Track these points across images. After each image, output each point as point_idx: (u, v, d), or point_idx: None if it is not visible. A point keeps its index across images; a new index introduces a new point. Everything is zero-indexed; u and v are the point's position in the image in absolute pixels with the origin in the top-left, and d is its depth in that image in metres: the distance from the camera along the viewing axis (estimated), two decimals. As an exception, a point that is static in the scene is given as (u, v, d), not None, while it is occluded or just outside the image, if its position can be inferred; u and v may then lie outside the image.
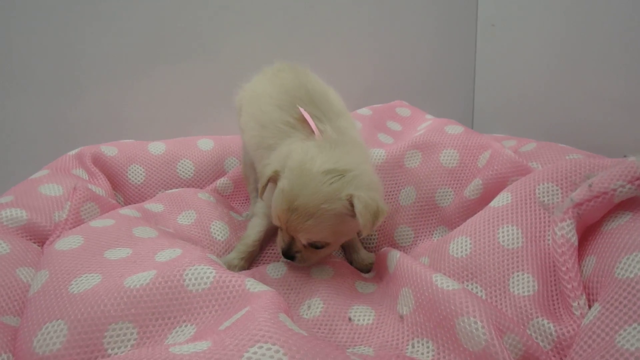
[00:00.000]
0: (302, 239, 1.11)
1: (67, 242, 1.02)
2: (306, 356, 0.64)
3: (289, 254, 1.15)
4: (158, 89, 1.93)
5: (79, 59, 1.81)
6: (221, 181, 1.61)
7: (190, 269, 0.88)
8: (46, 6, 1.73)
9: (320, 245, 1.13)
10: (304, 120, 1.20)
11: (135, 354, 0.70)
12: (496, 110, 2.26)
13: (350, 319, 1.00)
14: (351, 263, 1.35)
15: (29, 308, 0.86)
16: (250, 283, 0.86)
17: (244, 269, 1.24)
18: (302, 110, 1.21)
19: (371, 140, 1.58)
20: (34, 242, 1.16)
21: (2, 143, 1.79)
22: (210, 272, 0.87)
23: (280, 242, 1.18)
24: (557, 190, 1.12)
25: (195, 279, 0.86)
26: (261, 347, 0.65)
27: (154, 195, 1.53)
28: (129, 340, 0.79)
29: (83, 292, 0.84)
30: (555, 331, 0.91)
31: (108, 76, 1.86)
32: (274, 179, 1.12)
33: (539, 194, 1.13)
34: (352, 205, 1.03)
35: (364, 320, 1.00)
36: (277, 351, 0.65)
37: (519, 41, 2.05)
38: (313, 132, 1.17)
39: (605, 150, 1.46)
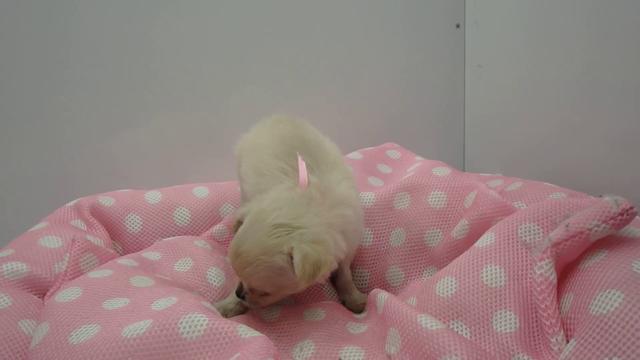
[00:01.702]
0: (244, 282, 1.17)
1: (67, 294, 1.07)
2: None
3: (238, 294, 1.21)
4: (154, 138, 2.00)
5: (75, 110, 1.88)
6: (217, 227, 1.65)
7: (185, 317, 0.92)
8: (43, 57, 1.80)
9: (261, 293, 1.17)
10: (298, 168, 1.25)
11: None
12: (487, 149, 2.30)
13: (340, 359, 1.03)
14: (344, 303, 1.39)
15: (30, 360, 0.90)
16: (242, 329, 0.90)
17: (240, 313, 1.28)
18: (299, 157, 1.25)
19: (361, 184, 1.63)
20: (35, 294, 1.20)
21: (1, 196, 1.84)
22: (204, 320, 0.92)
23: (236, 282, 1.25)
24: (538, 229, 1.16)
25: (190, 326, 0.91)
26: (249, 391, 0.70)
27: (152, 243, 1.57)
28: (126, 389, 0.83)
29: (82, 342, 0.88)
30: (535, 367, 0.95)
31: (105, 127, 1.93)
32: (241, 221, 1.17)
33: (521, 233, 1.17)
34: (292, 258, 1.06)
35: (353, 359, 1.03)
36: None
37: (507, 81, 2.09)
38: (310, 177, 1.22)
39: (591, 189, 1.49)
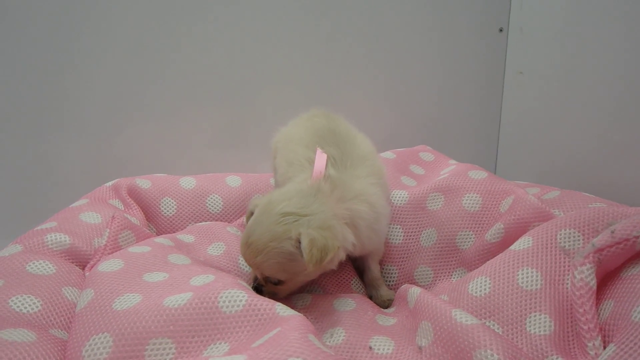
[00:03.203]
0: (257, 273, 1.18)
1: (109, 265, 1.09)
2: (334, 372, 0.69)
3: (255, 286, 1.20)
4: (190, 129, 2.05)
5: (122, 99, 1.95)
6: (248, 217, 1.67)
7: (224, 293, 0.94)
8: (99, 53, 1.88)
9: (275, 282, 1.18)
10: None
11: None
12: (520, 158, 2.28)
13: (370, 348, 1.04)
14: (370, 298, 1.39)
15: (76, 322, 0.93)
16: (280, 307, 0.92)
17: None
18: (318, 150, 1.27)
19: (394, 183, 1.63)
20: (76, 265, 1.23)
21: (46, 174, 1.90)
22: (243, 296, 0.93)
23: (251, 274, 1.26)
24: (578, 236, 1.15)
25: (229, 301, 0.92)
26: (292, 361, 0.71)
27: (185, 227, 1.60)
28: (167, 354, 0.85)
29: (126, 309, 0.91)
30: (570, 369, 0.95)
31: (147, 116, 1.99)
32: (253, 212, 1.18)
33: (560, 239, 1.16)
34: (300, 243, 1.07)
35: (384, 349, 1.04)
36: (307, 366, 0.70)
37: (547, 89, 2.06)
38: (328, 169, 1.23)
39: (630, 201, 1.47)
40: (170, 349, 0.86)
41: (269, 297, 1.14)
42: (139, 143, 1.99)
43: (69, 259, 1.22)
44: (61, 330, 0.99)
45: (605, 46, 1.77)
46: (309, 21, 2.05)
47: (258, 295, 0.96)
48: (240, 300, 0.93)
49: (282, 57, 2.06)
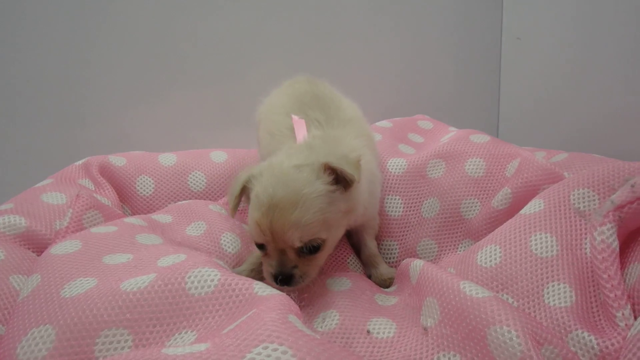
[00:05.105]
0: (294, 240, 0.97)
1: (64, 247, 0.95)
2: (319, 358, 0.56)
3: (285, 272, 1.00)
4: (171, 111, 1.95)
5: (98, 83, 1.85)
6: (234, 194, 1.54)
7: (193, 272, 0.80)
8: (73, 34, 1.80)
9: (316, 246, 1.00)
10: (307, 123, 1.18)
11: (123, 356, 0.61)
12: (522, 123, 2.19)
13: (368, 332, 0.91)
14: (369, 277, 1.27)
15: (16, 313, 0.79)
16: (258, 287, 0.77)
17: (255, 282, 1.16)
18: (293, 117, 1.17)
19: (391, 150, 1.51)
20: (32, 251, 1.10)
21: (11, 155, 1.80)
22: (215, 275, 0.79)
23: (267, 268, 1.02)
24: (593, 196, 1.03)
25: (198, 282, 0.78)
26: (266, 347, 0.57)
27: (163, 208, 1.47)
28: (122, 347, 0.71)
29: (75, 296, 0.77)
30: (598, 344, 0.82)
31: (122, 98, 1.89)
32: (247, 186, 1.04)
33: (573, 200, 1.03)
34: (331, 174, 0.99)
35: (383, 333, 0.91)
36: (285, 352, 0.56)
37: (545, 54, 1.99)
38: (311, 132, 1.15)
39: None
40: (126, 341, 0.72)
41: (301, 282, 1.02)
42: (119, 127, 1.89)
43: (23, 244, 1.10)
44: (0, 325, 0.85)
45: (603, 7, 1.69)
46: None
47: (233, 274, 0.82)
48: (212, 280, 0.79)
49: (274, 28, 1.96)
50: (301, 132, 1.13)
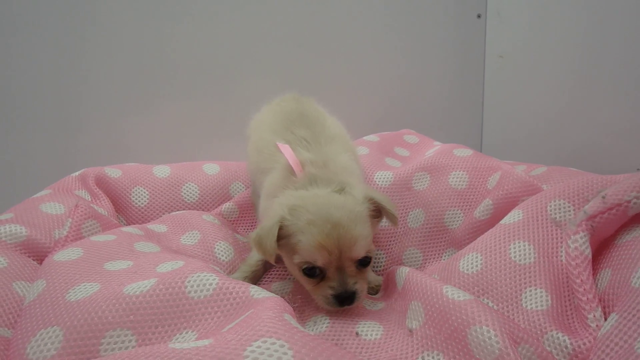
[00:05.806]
0: (361, 250, 1.01)
1: (66, 254, 0.99)
2: (312, 352, 0.61)
3: (349, 289, 1.01)
4: (165, 122, 1.99)
5: (92, 94, 1.89)
6: (226, 206, 1.59)
7: (193, 276, 0.85)
8: (68, 42, 1.83)
9: (368, 258, 1.06)
10: (294, 142, 1.22)
11: (132, 352, 0.66)
12: (505, 140, 2.26)
13: (357, 334, 0.96)
14: (357, 285, 1.31)
15: (23, 316, 0.83)
16: (254, 290, 0.83)
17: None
18: (279, 145, 1.19)
19: (378, 163, 1.56)
20: (33, 259, 1.13)
21: (8, 166, 1.82)
22: (213, 279, 0.84)
23: (326, 292, 1.02)
24: (569, 207, 1.09)
25: (197, 285, 0.83)
26: (265, 341, 0.62)
27: (157, 218, 1.51)
28: (126, 347, 0.76)
29: (81, 299, 0.81)
30: (571, 344, 0.87)
31: (117, 109, 1.93)
32: (285, 217, 1.02)
33: (550, 211, 1.10)
34: (372, 204, 1.08)
35: (371, 335, 0.96)
36: (282, 345, 0.61)
37: (526, 71, 2.07)
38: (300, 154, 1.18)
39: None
40: (129, 341, 0.76)
41: (359, 299, 1.04)
42: (113, 138, 1.93)
43: (24, 253, 1.13)
44: (7, 328, 0.89)
45: (581, 27, 1.77)
46: (290, 9, 2.01)
47: (230, 279, 0.87)
48: (210, 284, 0.84)
49: (266, 43, 2.01)
50: (289, 156, 1.16)
